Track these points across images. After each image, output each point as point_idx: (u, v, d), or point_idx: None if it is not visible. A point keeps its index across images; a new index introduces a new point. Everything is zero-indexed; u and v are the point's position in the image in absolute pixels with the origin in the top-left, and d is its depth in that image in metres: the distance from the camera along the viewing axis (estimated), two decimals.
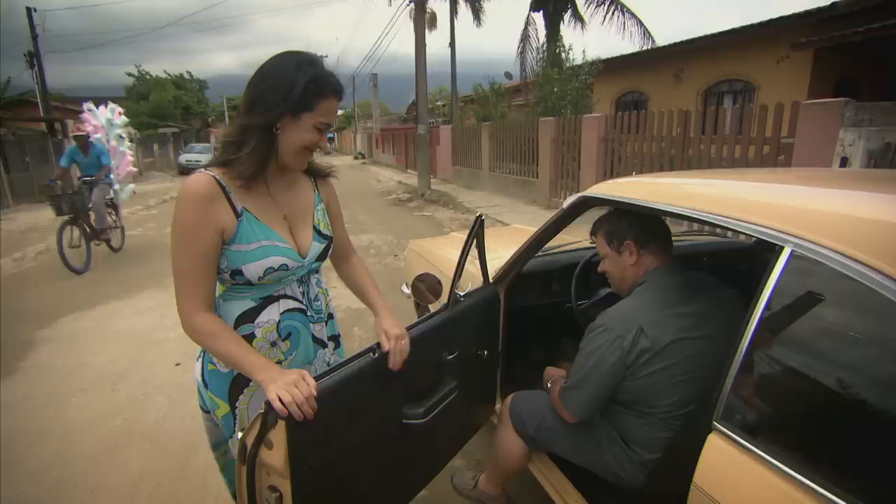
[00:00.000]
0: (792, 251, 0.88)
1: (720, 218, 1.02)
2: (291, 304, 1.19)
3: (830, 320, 0.91)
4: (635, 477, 1.37)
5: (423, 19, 11.73)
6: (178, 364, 3.26)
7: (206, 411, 1.27)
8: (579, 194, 1.50)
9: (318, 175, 1.28)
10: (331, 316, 1.34)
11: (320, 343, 1.28)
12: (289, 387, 0.94)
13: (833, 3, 7.24)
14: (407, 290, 2.54)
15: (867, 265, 0.76)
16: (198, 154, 21.36)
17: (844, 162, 4.13)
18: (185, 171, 20.53)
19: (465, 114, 19.03)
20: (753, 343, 0.91)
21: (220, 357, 1.10)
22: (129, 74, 25.85)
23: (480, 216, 1.44)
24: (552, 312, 2.14)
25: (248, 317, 1.14)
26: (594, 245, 2.18)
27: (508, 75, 16.99)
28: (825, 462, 0.82)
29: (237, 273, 1.09)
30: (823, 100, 4.49)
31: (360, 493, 1.25)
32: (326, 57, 1.16)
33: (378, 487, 1.31)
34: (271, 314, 1.16)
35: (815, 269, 0.85)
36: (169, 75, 27.62)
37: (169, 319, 4.08)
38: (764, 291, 0.91)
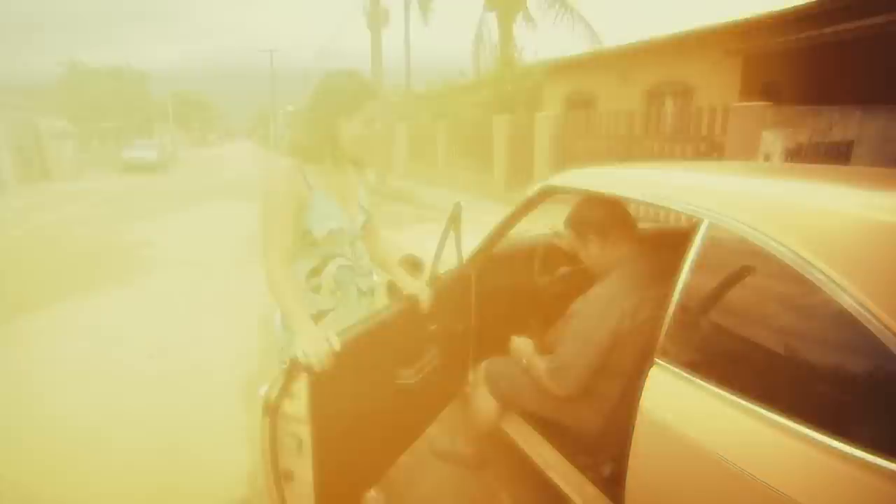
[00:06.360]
0: (709, 222, 1.15)
1: (654, 197, 1.28)
2: (344, 261, 1.53)
3: (734, 278, 1.19)
4: (595, 423, 1.62)
5: (378, 15, 11.79)
6: (151, 356, 3.28)
7: None
8: (541, 183, 1.74)
9: (359, 167, 1.62)
10: (370, 273, 1.64)
11: (362, 294, 1.60)
12: (313, 343, 1.16)
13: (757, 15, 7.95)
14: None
15: (761, 232, 1.03)
16: (142, 150, 20.27)
17: (767, 158, 4.64)
18: (129, 167, 19.47)
19: (418, 110, 19.13)
20: (681, 297, 1.17)
21: (280, 305, 1.40)
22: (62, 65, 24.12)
23: (459, 204, 1.64)
24: (516, 291, 2.37)
25: (315, 272, 1.49)
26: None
27: (462, 73, 17.27)
28: (732, 376, 1.09)
29: (308, 233, 1.43)
30: (748, 103, 5.01)
31: (363, 441, 1.44)
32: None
33: (377, 436, 1.51)
34: (331, 269, 1.49)
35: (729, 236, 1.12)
36: (106, 67, 26.05)
37: (134, 316, 4.05)
38: (688, 257, 1.17)
